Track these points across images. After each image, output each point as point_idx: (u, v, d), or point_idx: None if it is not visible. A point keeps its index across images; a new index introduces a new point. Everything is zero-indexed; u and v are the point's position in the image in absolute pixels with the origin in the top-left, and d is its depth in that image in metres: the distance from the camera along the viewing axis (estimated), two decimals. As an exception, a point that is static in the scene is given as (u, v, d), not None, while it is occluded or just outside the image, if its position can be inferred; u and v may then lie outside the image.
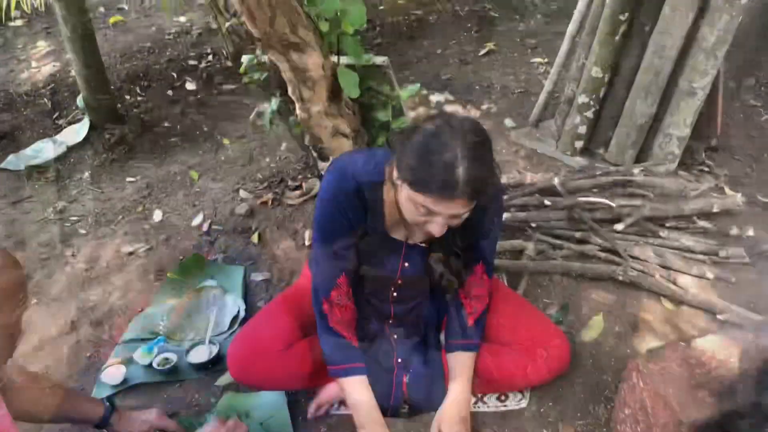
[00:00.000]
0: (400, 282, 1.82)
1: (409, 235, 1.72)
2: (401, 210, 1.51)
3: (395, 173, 1.45)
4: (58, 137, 3.94)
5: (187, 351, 2.19)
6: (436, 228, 1.45)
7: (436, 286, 1.82)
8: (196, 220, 3.01)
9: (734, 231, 2.58)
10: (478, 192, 1.38)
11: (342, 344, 1.72)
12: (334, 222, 1.63)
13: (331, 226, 1.64)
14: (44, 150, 3.82)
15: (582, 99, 3.16)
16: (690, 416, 1.48)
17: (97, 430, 1.71)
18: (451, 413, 1.70)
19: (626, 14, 2.88)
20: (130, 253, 2.82)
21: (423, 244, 1.72)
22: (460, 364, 1.79)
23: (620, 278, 2.36)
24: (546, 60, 4.64)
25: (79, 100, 4.02)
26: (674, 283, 2.33)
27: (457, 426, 1.68)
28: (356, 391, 1.69)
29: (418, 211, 1.43)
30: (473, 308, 1.82)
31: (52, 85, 4.76)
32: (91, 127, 3.93)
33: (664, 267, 2.42)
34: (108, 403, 1.69)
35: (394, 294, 1.88)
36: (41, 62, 5.24)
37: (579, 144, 3.26)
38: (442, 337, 1.92)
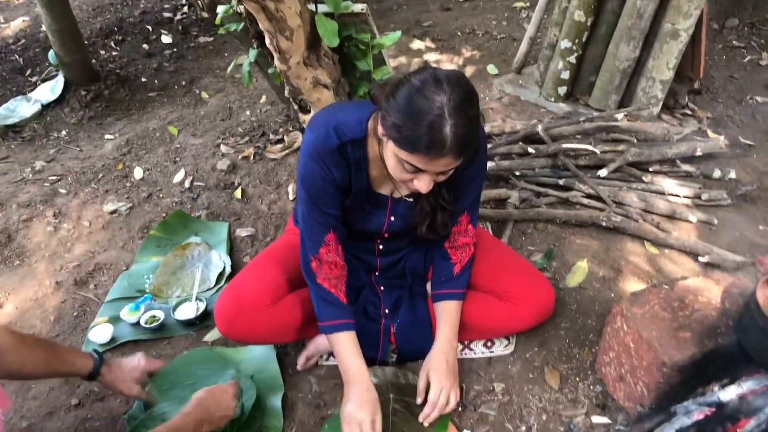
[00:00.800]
0: (386, 236, 1.82)
1: (394, 190, 1.71)
2: (386, 165, 1.49)
3: (380, 129, 1.42)
4: (32, 95, 3.86)
5: (174, 308, 2.19)
6: (423, 185, 1.44)
7: (422, 239, 1.82)
8: (178, 177, 2.98)
9: (717, 174, 2.59)
10: (466, 148, 1.36)
11: (330, 300, 1.72)
12: (318, 180, 1.61)
13: (316, 184, 1.62)
14: (18, 108, 3.74)
15: (565, 44, 3.12)
16: (673, 357, 1.51)
17: (88, 382, 1.72)
18: (438, 360, 1.73)
19: (609, -45, 2.83)
20: (113, 212, 2.79)
21: (409, 199, 1.72)
22: (446, 312, 1.81)
23: (604, 224, 2.37)
24: (528, 4, 4.57)
25: (51, 56, 3.93)
26: (657, 227, 2.35)
27: (444, 372, 1.70)
28: (343, 347, 1.70)
29: (404, 168, 1.42)
30: (459, 258, 1.83)
31: (23, 41, 4.64)
32: (66, 84, 3.85)
33: (647, 211, 2.44)
34: (96, 355, 1.70)
35: (380, 247, 1.88)
36: (10, 18, 5.09)
37: (562, 90, 3.24)
38: (429, 286, 1.93)
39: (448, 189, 1.66)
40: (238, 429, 1.68)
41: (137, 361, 1.77)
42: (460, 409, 1.76)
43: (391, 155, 1.43)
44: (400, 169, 1.43)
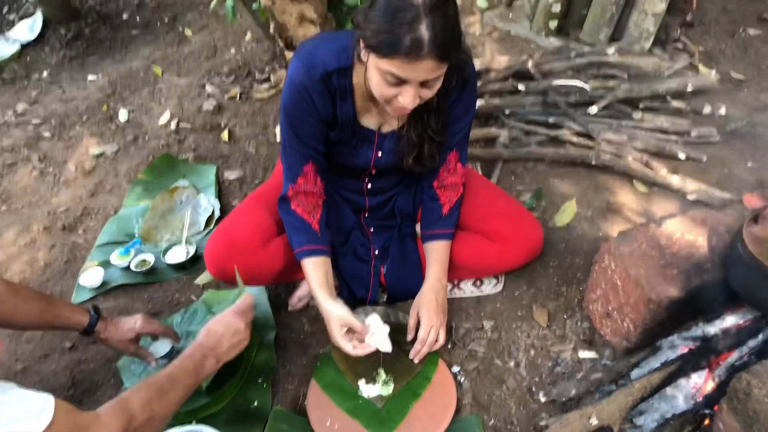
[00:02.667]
0: (373, 172, 1.80)
1: (381, 123, 1.68)
2: (371, 89, 1.47)
3: (361, 46, 1.39)
4: (9, 34, 3.75)
5: (164, 252, 2.19)
6: (408, 99, 1.39)
7: (410, 174, 1.82)
8: (163, 119, 2.93)
9: (707, 110, 2.58)
10: (445, 49, 1.32)
11: (301, 227, 1.71)
12: (301, 110, 1.59)
13: (297, 115, 1.60)
14: (-3, 49, 3.64)
15: (556, -24, 3.05)
16: (660, 294, 1.53)
17: (83, 336, 1.71)
18: (429, 299, 1.74)
19: None
20: (99, 155, 2.76)
21: (396, 131, 1.70)
22: (435, 252, 1.82)
23: (593, 162, 2.37)
24: (519, -66, 4.43)
25: (29, -7, 3.80)
26: (646, 165, 2.35)
27: (435, 310, 1.72)
28: (309, 273, 1.70)
29: (386, 82, 1.38)
30: (447, 198, 1.82)
31: (-2, -23, 4.47)
32: (45, 23, 3.74)
33: (636, 149, 2.43)
34: (93, 312, 1.68)
35: (368, 186, 1.87)
36: (-17, -48, 4.90)
37: (553, 24, 3.18)
38: (418, 227, 1.93)
39: (435, 119, 1.63)
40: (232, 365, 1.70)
41: (134, 322, 1.73)
42: (449, 346, 1.79)
43: (373, 71, 1.40)
44: (382, 85, 1.39)
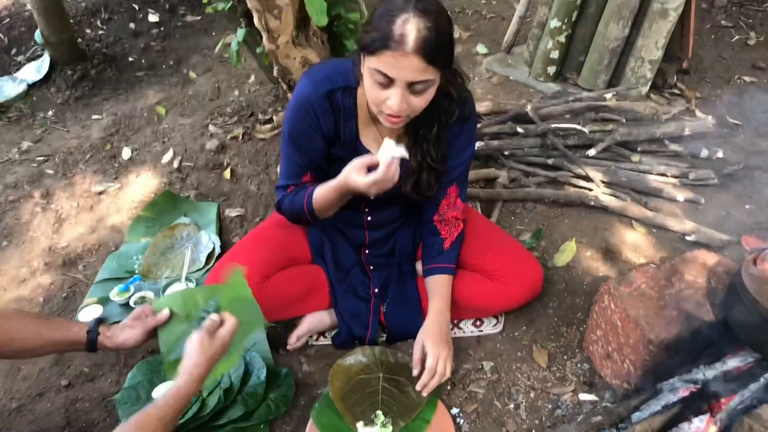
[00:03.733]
0: (372, 197, 1.80)
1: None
2: (366, 97, 1.50)
3: (361, 59, 1.44)
4: (17, 75, 3.80)
5: (164, 289, 2.18)
6: (395, 100, 1.41)
7: (411, 208, 1.84)
8: (166, 157, 2.95)
9: (704, 153, 2.60)
10: (431, 50, 1.35)
11: (302, 189, 1.69)
12: (304, 124, 1.63)
13: (301, 128, 1.64)
14: (4, 88, 3.68)
15: (554, 23, 3.10)
16: (659, 335, 1.53)
17: (86, 352, 1.61)
18: (434, 330, 1.72)
19: (599, -67, 2.81)
20: (101, 192, 2.77)
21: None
22: (437, 285, 1.81)
23: (592, 203, 2.38)
24: (518, -17, 4.53)
25: (37, 35, 3.86)
26: (645, 207, 2.36)
27: (440, 341, 1.70)
28: (322, 187, 1.63)
29: (376, 83, 1.41)
30: (448, 232, 1.83)
31: (8, 19, 4.55)
32: (52, 64, 3.79)
33: (635, 191, 2.44)
34: (93, 325, 1.60)
35: (368, 218, 1.88)
36: (-6, -4, 5.00)
37: (552, 69, 3.23)
38: (419, 266, 1.93)
39: (435, 148, 1.67)
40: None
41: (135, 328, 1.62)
42: (449, 387, 1.77)
43: (366, 75, 1.44)
44: (373, 87, 1.43)
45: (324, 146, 1.67)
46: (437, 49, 1.37)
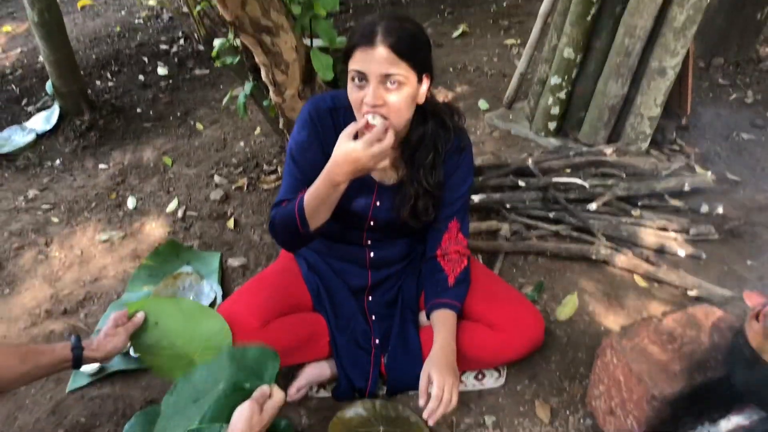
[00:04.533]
0: (372, 223, 1.82)
1: (382, 176, 1.78)
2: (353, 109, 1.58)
3: None
4: (27, 124, 3.86)
5: (164, 338, 2.17)
6: (369, 96, 1.49)
7: (411, 234, 1.89)
8: (171, 207, 2.98)
9: (705, 209, 2.61)
10: (400, 43, 1.46)
11: (294, 201, 1.67)
12: (307, 138, 1.70)
13: (304, 145, 1.70)
14: (13, 137, 3.74)
15: (554, 80, 3.17)
16: (663, 391, 1.51)
17: (73, 369, 1.68)
18: (439, 359, 1.68)
19: (598, -5, 2.89)
20: (105, 241, 2.78)
21: (395, 183, 1.78)
22: (442, 319, 1.77)
23: (594, 257, 2.38)
24: (519, 41, 4.64)
25: (48, 86, 3.94)
26: (647, 261, 2.36)
27: (446, 369, 1.65)
28: (314, 184, 1.59)
29: (354, 85, 1.52)
30: (452, 268, 1.83)
31: (20, 71, 4.66)
32: (61, 114, 3.86)
33: (636, 245, 2.45)
34: (75, 341, 1.65)
35: (371, 255, 1.89)
36: (8, 48, 5.13)
37: (552, 124, 3.28)
38: (422, 316, 1.92)
39: (431, 174, 1.73)
40: None
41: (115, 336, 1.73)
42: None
43: (348, 84, 1.55)
44: (352, 89, 1.53)
45: (323, 162, 1.62)
46: (406, 43, 1.48)
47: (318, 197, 1.58)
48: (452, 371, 1.68)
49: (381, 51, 1.46)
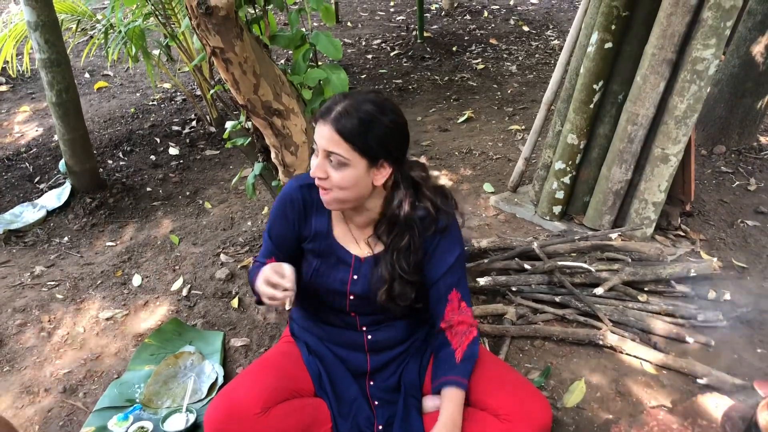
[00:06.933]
0: (351, 297, 1.81)
1: (359, 251, 1.79)
2: None
3: None
4: (38, 201, 3.93)
5: (164, 419, 2.14)
6: (313, 166, 1.58)
7: (404, 316, 1.86)
8: (176, 285, 2.99)
9: (712, 295, 2.61)
10: (348, 128, 1.52)
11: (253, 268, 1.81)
12: (277, 213, 1.78)
13: (275, 217, 1.79)
14: (23, 214, 3.80)
15: (559, 165, 3.23)
16: (674, 483, 1.47)
17: None
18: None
19: (600, 83, 2.99)
20: (108, 319, 2.78)
21: (372, 257, 1.78)
22: (449, 396, 1.73)
23: (601, 343, 2.37)
24: (523, 127, 4.76)
25: (62, 165, 4.03)
26: (654, 348, 2.34)
27: None
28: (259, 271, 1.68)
29: (314, 154, 1.61)
30: (459, 342, 1.79)
31: (35, 149, 4.78)
32: (72, 192, 3.93)
33: (643, 331, 2.44)
34: None
35: (369, 338, 1.86)
36: (24, 127, 5.28)
37: (557, 208, 3.32)
38: (425, 401, 1.89)
39: (406, 259, 1.73)
40: None
41: None
42: None
43: None
44: (313, 157, 1.62)
45: (293, 238, 1.79)
46: (352, 127, 1.53)
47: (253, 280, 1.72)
48: None
49: (328, 129, 1.54)
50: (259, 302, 1.71)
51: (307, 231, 1.79)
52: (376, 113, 1.57)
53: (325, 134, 1.55)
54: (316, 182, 1.62)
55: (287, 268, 1.62)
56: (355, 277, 1.79)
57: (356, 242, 1.79)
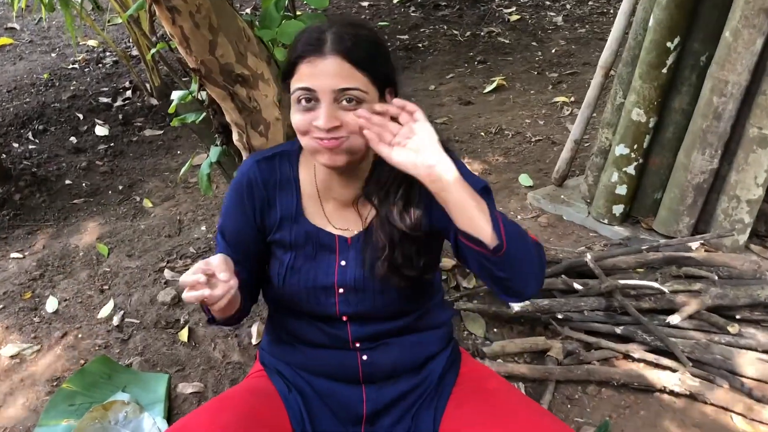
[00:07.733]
0: (341, 291, 1.80)
1: (345, 230, 1.77)
2: (301, 142, 1.61)
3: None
4: None
5: (88, 492, 2.14)
6: (321, 117, 1.51)
7: (405, 303, 1.83)
8: (104, 311, 2.99)
9: (826, 325, 2.61)
10: (354, 51, 1.50)
11: None
12: (231, 202, 1.79)
13: (227, 208, 1.80)
14: None
15: (620, 150, 3.22)
16: None
17: None
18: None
19: (676, 40, 2.98)
20: (13, 356, 2.78)
21: (362, 231, 1.77)
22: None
23: (677, 389, 2.36)
24: (572, 99, 4.76)
25: (-50, 149, 4.04)
26: (749, 396, 2.34)
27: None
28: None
29: (300, 107, 1.55)
30: None
31: None
32: (-35, 185, 3.93)
33: (734, 374, 2.43)
34: None
35: (363, 359, 1.84)
36: None
37: (618, 209, 3.31)
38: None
39: (405, 210, 1.69)
40: None
41: None
42: None
43: (292, 108, 1.59)
44: (298, 113, 1.56)
45: (253, 233, 1.78)
46: (364, 50, 1.53)
47: None
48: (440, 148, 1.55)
49: (334, 61, 1.51)
50: (212, 320, 1.72)
51: (271, 219, 1.78)
52: (372, 32, 1.61)
53: (330, 70, 1.51)
54: (324, 135, 1.55)
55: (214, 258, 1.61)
56: (343, 263, 1.78)
57: (337, 219, 1.78)
